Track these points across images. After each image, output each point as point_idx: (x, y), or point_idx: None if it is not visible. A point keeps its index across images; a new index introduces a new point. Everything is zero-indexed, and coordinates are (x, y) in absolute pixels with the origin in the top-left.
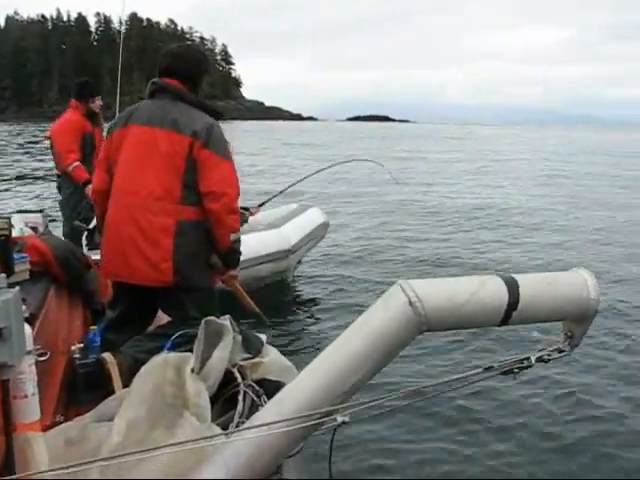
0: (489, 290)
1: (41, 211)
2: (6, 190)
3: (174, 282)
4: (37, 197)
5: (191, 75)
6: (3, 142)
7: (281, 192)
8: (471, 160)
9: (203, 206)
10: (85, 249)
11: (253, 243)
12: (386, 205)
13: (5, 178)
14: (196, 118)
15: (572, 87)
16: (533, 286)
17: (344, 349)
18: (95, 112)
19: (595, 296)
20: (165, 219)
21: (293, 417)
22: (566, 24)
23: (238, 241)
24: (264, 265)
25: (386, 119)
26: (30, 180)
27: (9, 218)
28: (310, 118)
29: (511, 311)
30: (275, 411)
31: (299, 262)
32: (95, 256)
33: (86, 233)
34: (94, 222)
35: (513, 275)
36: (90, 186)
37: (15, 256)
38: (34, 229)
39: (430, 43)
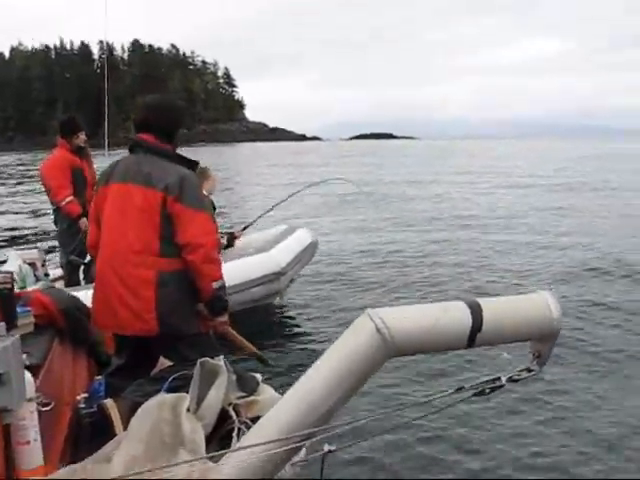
0: (453, 315)
1: (37, 247)
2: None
3: (160, 331)
4: (36, 229)
5: (165, 128)
6: (13, 171)
7: (260, 216)
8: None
9: (183, 257)
10: (83, 283)
11: (243, 267)
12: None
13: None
14: (169, 171)
15: (577, 98)
16: (496, 309)
17: (318, 376)
18: (81, 146)
19: (557, 316)
20: (145, 271)
21: (273, 440)
22: (567, 35)
23: (222, 288)
24: (255, 288)
25: (390, 136)
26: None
27: (12, 273)
28: (314, 138)
29: (475, 333)
30: (256, 436)
31: (291, 281)
32: (89, 290)
33: (83, 267)
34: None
35: (477, 299)
36: (84, 219)
37: (19, 310)
38: (32, 265)
39: (429, 59)
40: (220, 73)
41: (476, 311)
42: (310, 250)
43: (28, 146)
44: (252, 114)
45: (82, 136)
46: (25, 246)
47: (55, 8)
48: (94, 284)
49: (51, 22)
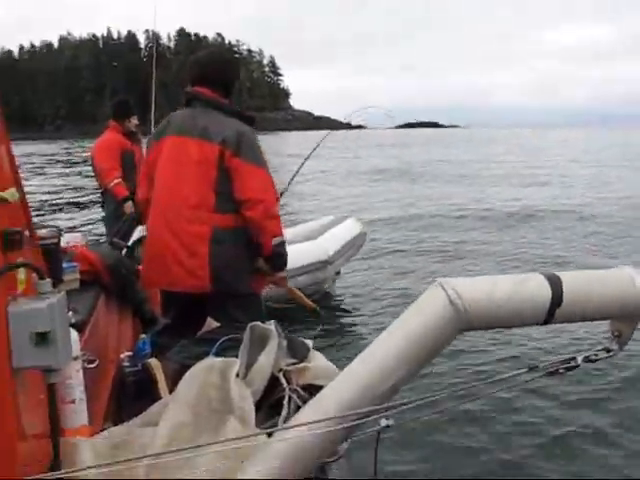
0: (531, 287)
1: (80, 231)
2: (55, 208)
3: (213, 289)
4: (83, 215)
5: (221, 80)
6: (64, 158)
7: (293, 177)
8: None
9: (240, 213)
10: None
11: (290, 255)
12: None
13: (53, 196)
14: (226, 125)
15: (628, 85)
16: (577, 283)
17: (384, 349)
18: (132, 131)
19: None
20: (200, 227)
21: (332, 417)
22: (615, 20)
23: (282, 244)
24: (302, 277)
25: (435, 125)
26: (76, 197)
27: (59, 228)
28: (359, 127)
29: (554, 309)
30: (314, 411)
31: (338, 273)
32: None
33: (125, 250)
34: (133, 238)
35: (556, 272)
36: (130, 202)
37: (65, 265)
38: (74, 247)
39: (476, 46)
40: (265, 61)
41: (556, 284)
42: (359, 240)
43: (76, 135)
44: (297, 102)
45: (134, 120)
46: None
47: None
48: (146, 241)
49: (99, 12)
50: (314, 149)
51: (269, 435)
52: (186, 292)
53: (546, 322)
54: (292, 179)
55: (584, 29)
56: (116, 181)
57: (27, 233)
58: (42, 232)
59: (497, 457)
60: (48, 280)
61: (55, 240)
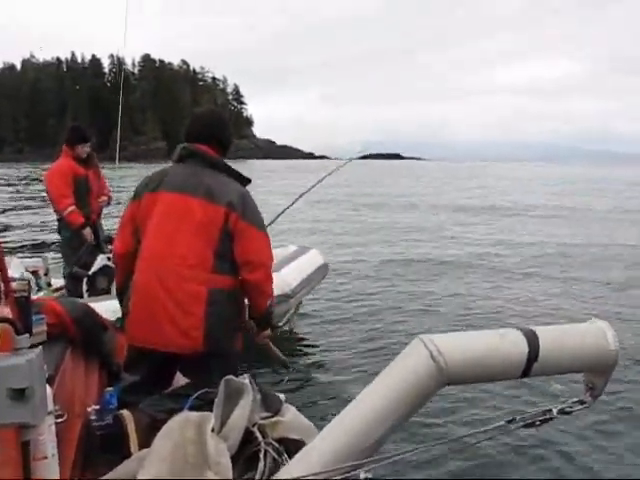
0: (509, 343)
1: (41, 256)
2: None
3: (204, 349)
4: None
5: (221, 140)
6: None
7: (279, 214)
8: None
9: (236, 275)
10: (86, 295)
11: None
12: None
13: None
14: (230, 187)
15: (587, 121)
16: (552, 338)
17: (367, 404)
18: (83, 157)
19: (614, 347)
20: (197, 287)
21: (319, 472)
22: (579, 56)
23: (272, 305)
24: None
25: (397, 157)
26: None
27: (29, 280)
28: (322, 157)
29: (531, 363)
30: (300, 467)
31: (299, 304)
32: (93, 303)
33: (86, 279)
34: (94, 268)
35: (532, 327)
36: (88, 229)
37: (33, 318)
38: (34, 273)
39: (439, 78)
40: (229, 89)
41: (532, 340)
42: (321, 272)
43: (37, 158)
44: (260, 131)
45: (86, 148)
46: (31, 254)
47: (67, 22)
48: (132, 295)
49: (63, 36)
50: (313, 186)
51: None
52: (172, 351)
53: (523, 376)
54: (276, 218)
55: (547, 64)
56: (70, 209)
57: (2, 287)
58: (13, 285)
59: None
60: (26, 335)
61: (25, 293)
